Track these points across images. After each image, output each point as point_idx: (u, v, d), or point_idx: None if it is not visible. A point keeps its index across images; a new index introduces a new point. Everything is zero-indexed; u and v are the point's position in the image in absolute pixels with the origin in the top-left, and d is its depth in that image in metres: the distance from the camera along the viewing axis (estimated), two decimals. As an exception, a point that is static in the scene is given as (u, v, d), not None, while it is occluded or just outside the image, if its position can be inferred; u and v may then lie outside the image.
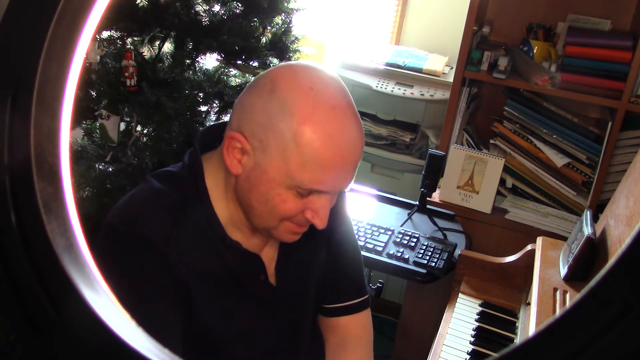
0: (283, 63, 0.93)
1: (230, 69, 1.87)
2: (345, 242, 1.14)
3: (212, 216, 0.95)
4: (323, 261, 1.11)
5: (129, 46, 1.69)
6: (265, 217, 0.91)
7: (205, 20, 1.75)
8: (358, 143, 0.88)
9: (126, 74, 1.60)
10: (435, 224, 1.93)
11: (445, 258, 1.71)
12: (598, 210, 2.00)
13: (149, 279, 0.91)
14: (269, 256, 1.03)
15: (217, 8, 1.79)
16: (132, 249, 0.90)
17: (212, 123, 1.50)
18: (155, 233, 0.90)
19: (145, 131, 1.73)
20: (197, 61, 1.78)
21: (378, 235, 1.78)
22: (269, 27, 1.89)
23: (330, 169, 0.86)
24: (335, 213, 1.04)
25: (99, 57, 1.62)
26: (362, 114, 2.56)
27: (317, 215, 0.90)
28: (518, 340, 1.44)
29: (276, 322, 1.06)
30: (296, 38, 1.94)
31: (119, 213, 0.94)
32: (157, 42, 1.77)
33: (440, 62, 2.49)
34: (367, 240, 1.75)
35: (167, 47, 1.79)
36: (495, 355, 0.35)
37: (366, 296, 1.18)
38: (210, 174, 0.96)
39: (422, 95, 2.41)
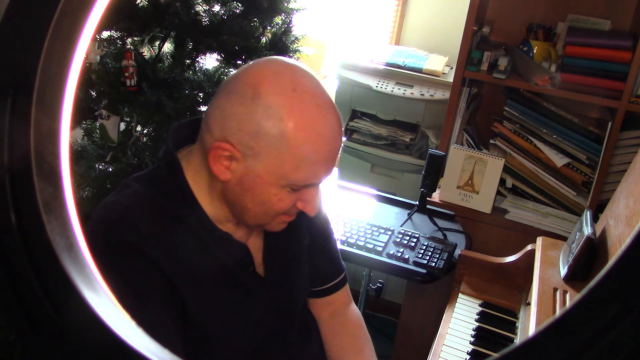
0: (255, 63, 0.91)
1: (230, 69, 1.87)
2: (324, 226, 1.20)
3: (199, 211, 0.96)
4: (307, 247, 1.15)
5: (129, 46, 1.69)
6: (261, 215, 0.95)
7: (205, 20, 1.75)
8: (340, 133, 0.93)
9: (126, 74, 1.60)
10: (435, 224, 1.93)
11: (445, 258, 1.71)
12: (598, 210, 2.00)
13: (139, 285, 0.91)
14: (255, 247, 1.06)
15: (217, 8, 1.79)
16: (119, 256, 0.90)
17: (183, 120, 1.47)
18: (141, 237, 0.91)
19: (145, 131, 1.73)
20: (197, 61, 1.77)
21: (378, 235, 1.78)
22: (269, 27, 1.89)
23: (322, 164, 0.91)
24: None
25: (99, 57, 1.62)
26: (362, 114, 2.56)
27: (308, 205, 0.96)
28: (518, 340, 1.44)
29: (266, 312, 1.07)
30: (296, 38, 1.93)
31: (103, 220, 0.94)
32: (157, 42, 1.77)
33: (440, 62, 2.49)
34: (367, 240, 1.75)
35: (167, 47, 1.79)
36: (495, 355, 0.35)
37: (345, 271, 1.26)
38: (190, 172, 0.97)
39: (422, 95, 2.41)
